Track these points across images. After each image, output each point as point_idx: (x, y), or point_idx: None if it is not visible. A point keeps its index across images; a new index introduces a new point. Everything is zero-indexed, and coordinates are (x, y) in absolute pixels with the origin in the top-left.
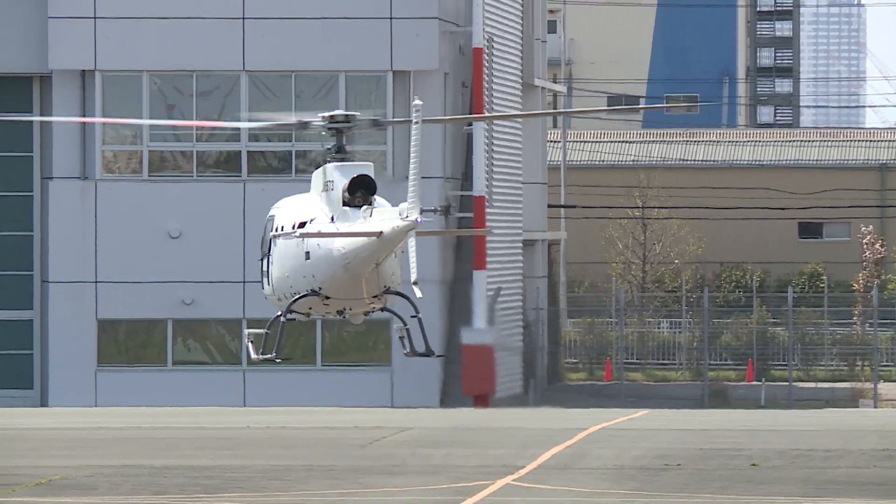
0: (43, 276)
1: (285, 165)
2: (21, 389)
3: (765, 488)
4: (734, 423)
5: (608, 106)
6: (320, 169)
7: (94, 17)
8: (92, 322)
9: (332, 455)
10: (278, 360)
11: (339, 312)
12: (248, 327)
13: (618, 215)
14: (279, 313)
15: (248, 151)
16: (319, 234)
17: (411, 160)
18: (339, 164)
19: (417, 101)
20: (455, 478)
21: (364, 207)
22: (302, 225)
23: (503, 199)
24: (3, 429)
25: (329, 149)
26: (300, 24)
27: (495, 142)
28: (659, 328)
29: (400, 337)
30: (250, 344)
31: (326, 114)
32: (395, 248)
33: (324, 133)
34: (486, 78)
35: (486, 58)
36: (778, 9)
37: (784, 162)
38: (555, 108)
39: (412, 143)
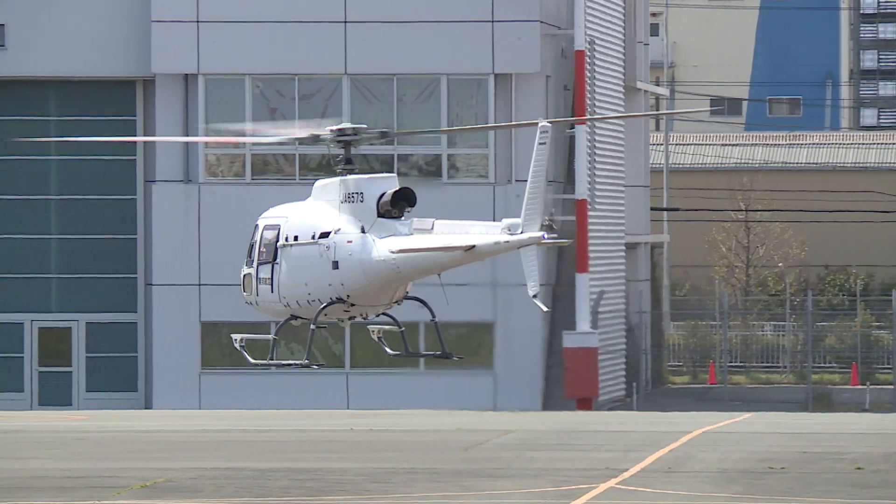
0: (147, 279)
1: (387, 168)
2: (125, 392)
3: (870, 492)
4: (838, 426)
5: (712, 109)
6: (332, 180)
7: (197, 21)
8: (196, 325)
9: (435, 458)
10: (315, 366)
11: (351, 318)
12: (235, 332)
13: (721, 218)
14: (291, 320)
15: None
16: (415, 250)
17: (533, 178)
18: (366, 176)
19: (544, 123)
20: (558, 481)
21: (402, 219)
22: (325, 234)
23: (605, 202)
24: (109, 431)
25: (338, 160)
26: (402, 27)
27: (597, 145)
28: (762, 331)
29: (379, 337)
30: (243, 346)
31: (335, 126)
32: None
33: (332, 145)
34: (588, 81)
35: (588, 60)
36: (882, 11)
37: (888, 164)
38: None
39: (536, 162)
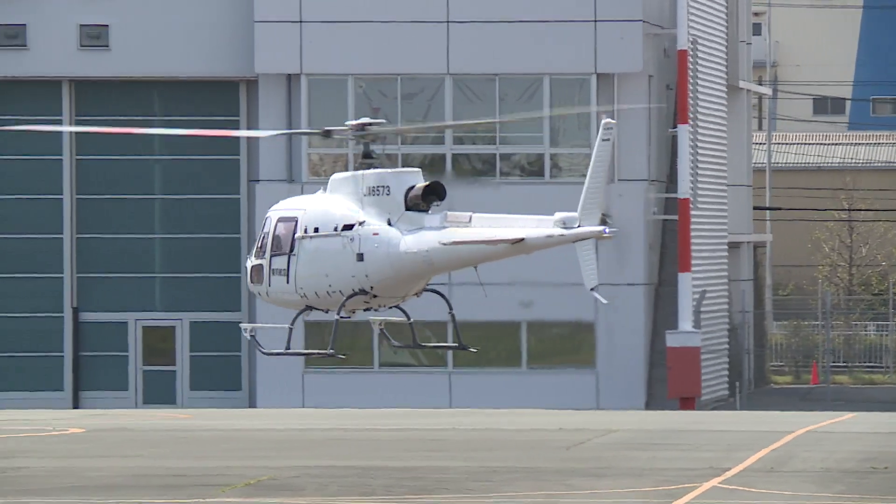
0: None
1: (489, 168)
2: (229, 391)
3: None
4: None
5: (814, 109)
6: (352, 174)
7: (300, 22)
8: (299, 324)
9: (538, 457)
10: (342, 356)
11: (366, 309)
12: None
13: (823, 218)
14: (306, 311)
15: (452, 154)
16: (465, 243)
17: (593, 172)
18: (391, 170)
19: (609, 121)
20: (661, 480)
21: (430, 212)
22: (349, 227)
23: (708, 201)
24: (214, 430)
25: (361, 155)
26: (504, 27)
27: (700, 144)
28: (866, 331)
29: (381, 329)
30: (254, 336)
31: (353, 122)
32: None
33: (350, 140)
34: (691, 80)
35: (691, 60)
36: None
37: None
38: (759, 111)
39: (598, 158)
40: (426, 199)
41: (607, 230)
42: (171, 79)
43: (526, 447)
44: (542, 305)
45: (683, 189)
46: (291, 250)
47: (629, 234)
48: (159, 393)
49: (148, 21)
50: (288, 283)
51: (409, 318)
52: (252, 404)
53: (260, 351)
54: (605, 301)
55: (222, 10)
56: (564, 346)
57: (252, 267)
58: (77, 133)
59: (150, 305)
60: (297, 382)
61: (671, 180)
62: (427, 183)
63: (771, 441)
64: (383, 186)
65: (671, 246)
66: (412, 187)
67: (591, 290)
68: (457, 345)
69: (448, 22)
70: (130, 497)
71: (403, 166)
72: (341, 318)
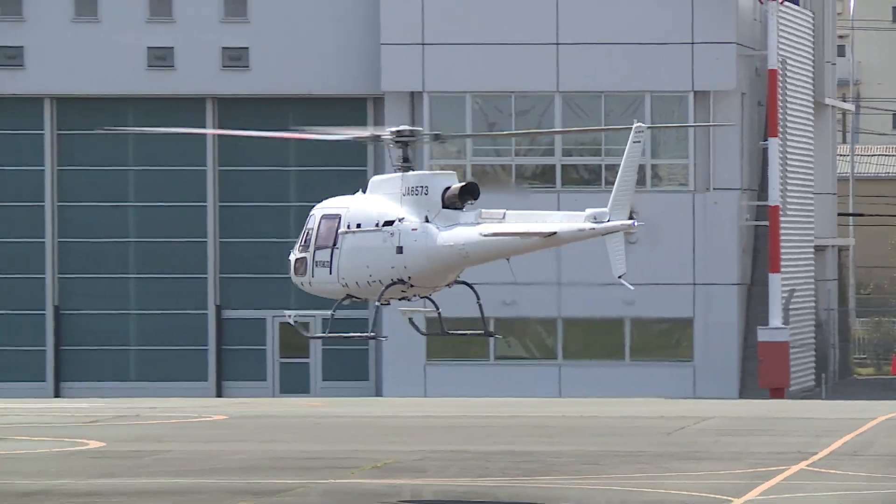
0: None
1: (595, 177)
2: (358, 381)
3: None
4: None
5: (893, 123)
6: (391, 175)
7: (423, 44)
8: (421, 321)
9: (640, 442)
10: (383, 338)
11: (402, 298)
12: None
13: None
14: (346, 300)
15: (562, 165)
16: (505, 234)
17: (624, 171)
18: (428, 172)
19: (640, 124)
20: (753, 463)
21: (464, 210)
22: (389, 223)
23: (796, 208)
24: (344, 417)
25: (397, 159)
26: (609, 48)
27: (788, 156)
28: None
29: (409, 318)
30: (297, 322)
31: (395, 129)
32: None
33: (391, 146)
34: (780, 97)
35: (780, 78)
36: None
37: None
38: (843, 126)
39: (629, 158)
40: (462, 198)
41: (635, 223)
42: (305, 96)
43: (629, 433)
44: (644, 304)
45: (774, 197)
46: (334, 244)
47: (659, 228)
48: (294, 383)
49: (284, 44)
50: (331, 273)
51: (437, 309)
52: (378, 394)
53: (304, 335)
54: (631, 287)
55: (352, 33)
56: (664, 340)
57: (295, 260)
58: (219, 145)
59: (287, 303)
60: (419, 374)
61: (762, 189)
62: (463, 183)
63: (854, 428)
64: (422, 187)
65: (762, 249)
66: (448, 188)
67: (619, 277)
68: (483, 332)
69: (557, 44)
70: (268, 478)
71: (517, 177)
72: (380, 304)
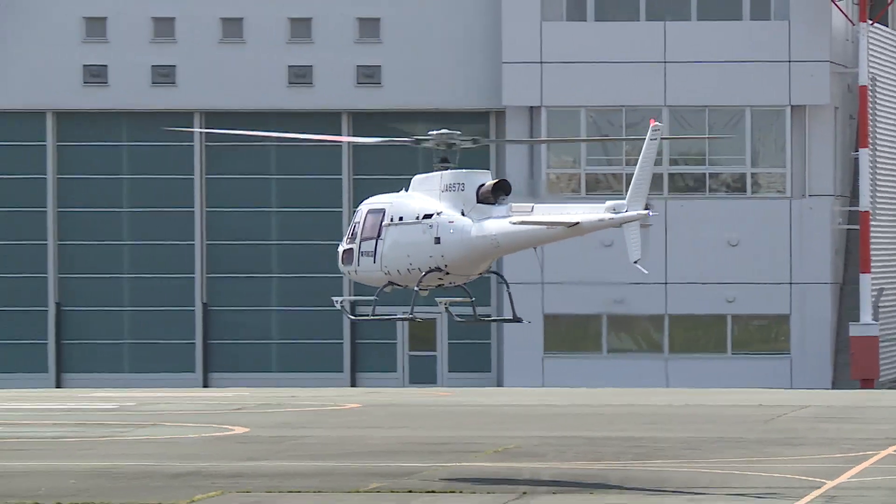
0: (498, 277)
1: (700, 185)
2: (481, 372)
3: None
4: None
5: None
6: (431, 174)
7: (541, 62)
8: (539, 316)
9: (741, 429)
10: (419, 319)
11: (438, 286)
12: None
13: None
14: (388, 286)
15: (669, 174)
16: (534, 223)
17: (641, 166)
18: (464, 171)
19: (656, 123)
20: (846, 448)
21: (497, 205)
22: (428, 216)
23: (885, 213)
24: (468, 405)
25: (439, 160)
26: (712, 66)
27: (878, 165)
28: None
29: (447, 307)
30: (344, 306)
31: (435, 133)
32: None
33: (436, 147)
34: (870, 111)
35: (870, 94)
36: None
37: None
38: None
39: (646, 155)
40: (495, 194)
41: (651, 213)
42: (432, 110)
43: (730, 421)
44: (745, 301)
45: (864, 203)
46: (379, 236)
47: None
48: (422, 374)
49: (413, 62)
50: (374, 262)
51: (471, 297)
52: (500, 384)
53: (349, 318)
54: (645, 272)
55: (475, 52)
56: (763, 335)
57: (343, 251)
58: (354, 155)
59: (419, 301)
60: (537, 366)
61: (854, 196)
62: (496, 180)
63: None
64: (458, 184)
65: (854, 251)
66: (483, 184)
67: (635, 262)
68: (511, 318)
69: (665, 62)
70: (398, 461)
71: (627, 185)
72: (418, 290)
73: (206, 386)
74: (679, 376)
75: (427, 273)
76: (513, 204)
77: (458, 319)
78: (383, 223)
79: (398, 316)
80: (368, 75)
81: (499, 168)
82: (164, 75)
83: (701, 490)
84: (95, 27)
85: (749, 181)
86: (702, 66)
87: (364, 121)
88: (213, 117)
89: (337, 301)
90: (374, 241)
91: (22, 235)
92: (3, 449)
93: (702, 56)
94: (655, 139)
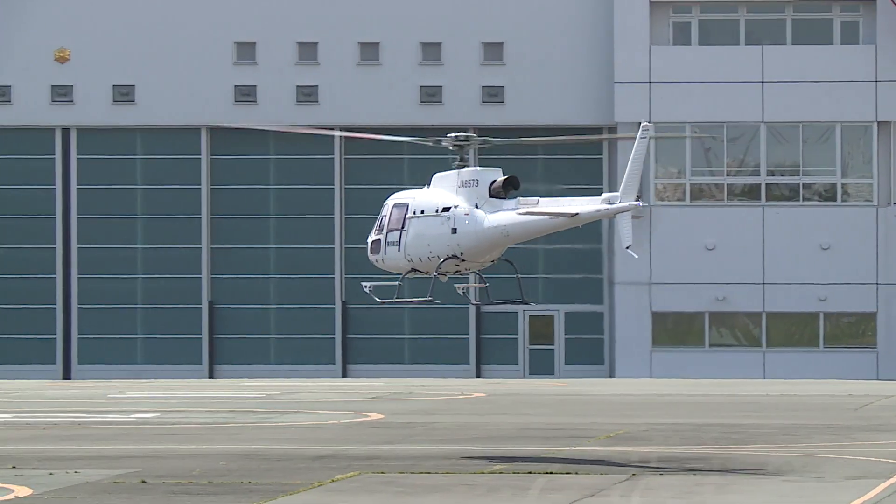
0: (610, 278)
1: (794, 194)
2: (595, 364)
3: None
4: None
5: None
6: (449, 172)
7: (649, 82)
8: (647, 313)
9: (831, 416)
10: (437, 302)
11: (456, 272)
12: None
13: None
14: (410, 272)
15: (766, 184)
16: (538, 213)
17: (632, 163)
18: (478, 169)
19: (646, 124)
20: None
21: (507, 199)
22: (446, 209)
23: None
24: (583, 395)
25: (455, 159)
26: (806, 86)
27: None
28: None
29: (463, 291)
30: (370, 290)
31: (453, 135)
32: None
33: (451, 147)
34: None
35: None
36: None
37: None
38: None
39: (636, 153)
40: (505, 189)
41: (640, 203)
42: (550, 126)
43: (822, 409)
44: (836, 300)
45: None
46: (403, 227)
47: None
48: (541, 366)
49: (533, 82)
50: (399, 251)
51: (484, 282)
52: (611, 375)
53: (377, 301)
54: (636, 256)
55: (590, 73)
56: (852, 331)
57: (372, 241)
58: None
59: (535, 299)
60: (646, 358)
61: None
62: (506, 177)
63: None
64: (473, 180)
65: None
66: (494, 181)
67: (627, 247)
68: (520, 300)
69: (763, 82)
70: (518, 446)
71: (728, 194)
72: (437, 276)
73: (344, 376)
74: (775, 368)
75: (445, 260)
76: (520, 198)
77: (473, 303)
78: (407, 216)
79: (417, 300)
80: (493, 94)
81: (610, 178)
82: (307, 95)
83: (795, 472)
84: (245, 51)
85: (839, 191)
86: (796, 86)
87: (489, 136)
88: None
89: (366, 286)
90: (398, 233)
91: (179, 240)
92: (160, 433)
93: (796, 76)
94: (645, 138)
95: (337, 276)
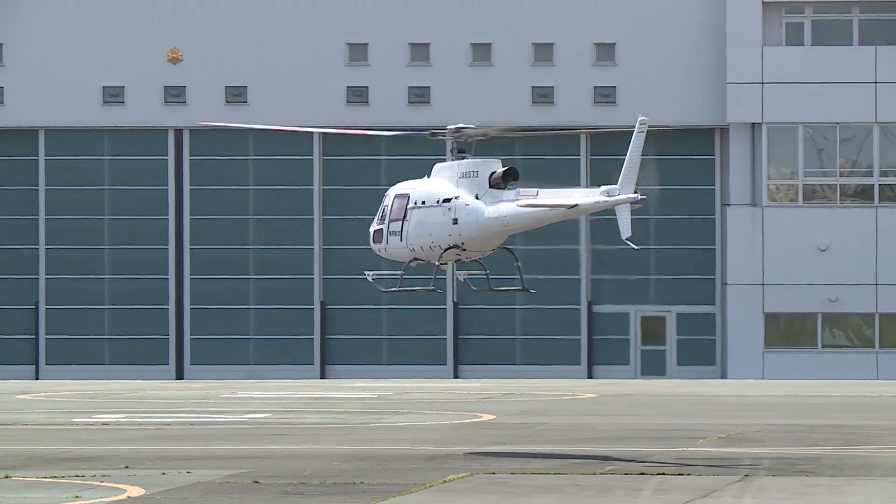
0: (723, 279)
1: (868, 198)
2: (705, 365)
3: None
4: None
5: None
6: (449, 163)
7: (762, 83)
8: (760, 314)
9: None
10: (439, 290)
11: (456, 261)
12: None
13: None
14: (412, 262)
15: (879, 184)
16: (538, 206)
17: (630, 156)
18: (478, 160)
19: (643, 118)
20: None
21: (507, 189)
22: (447, 200)
23: None
24: (695, 395)
25: (454, 150)
26: None
27: None
28: None
29: (464, 279)
30: (372, 279)
31: (452, 126)
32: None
33: (450, 139)
34: None
35: None
36: None
37: None
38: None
39: (634, 146)
40: (505, 180)
41: (639, 196)
42: (663, 127)
43: None
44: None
45: None
46: (404, 217)
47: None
48: (653, 367)
49: (645, 83)
50: (401, 241)
51: (486, 270)
52: (723, 376)
53: (380, 290)
54: (636, 247)
55: (702, 74)
56: None
57: (374, 231)
58: (590, 169)
59: (646, 300)
60: (758, 359)
61: None
62: (506, 168)
63: None
64: (473, 171)
65: None
66: (494, 172)
67: (626, 239)
68: (521, 288)
69: (876, 83)
70: (631, 446)
71: (841, 195)
72: (439, 265)
73: (455, 377)
74: (889, 369)
75: (446, 250)
76: (520, 189)
77: (474, 289)
78: (408, 206)
79: (420, 289)
80: (605, 95)
81: (723, 180)
82: (419, 95)
83: None
84: (358, 52)
85: None
86: None
87: (601, 137)
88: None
89: (368, 275)
90: (400, 222)
91: (291, 240)
92: (272, 433)
93: None
94: (643, 132)
95: (448, 277)
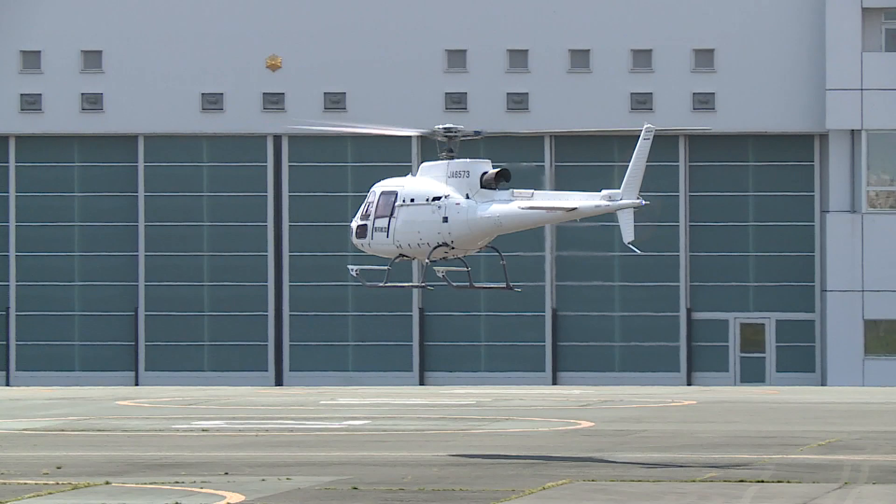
0: (822, 286)
1: None
2: (804, 372)
3: None
4: None
5: None
6: (438, 162)
7: (861, 89)
8: (859, 321)
9: None
10: (430, 287)
11: (444, 258)
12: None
13: None
14: (398, 258)
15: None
16: (537, 208)
17: (635, 161)
18: (469, 160)
19: (649, 125)
20: None
21: (498, 189)
22: (437, 198)
23: None
24: (795, 402)
25: (443, 150)
26: None
27: None
28: None
29: (443, 275)
30: (357, 274)
31: (441, 126)
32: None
33: (440, 139)
34: None
35: None
36: None
37: None
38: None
39: (639, 152)
40: (497, 181)
41: (643, 202)
42: (761, 133)
43: None
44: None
45: None
46: (391, 214)
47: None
48: (752, 374)
49: (744, 89)
50: (387, 237)
51: (467, 267)
52: (823, 383)
53: (365, 285)
54: (639, 252)
55: (801, 80)
56: None
57: (357, 226)
58: (691, 176)
59: (746, 307)
60: (858, 366)
61: None
62: (498, 169)
63: None
64: (464, 171)
65: None
66: (485, 172)
67: (629, 243)
68: (504, 286)
69: None
70: (730, 453)
71: (895, 202)
72: (427, 262)
73: (554, 384)
74: None
75: (435, 248)
76: (514, 189)
77: (455, 286)
78: (396, 203)
79: (409, 284)
80: (703, 101)
81: (822, 187)
82: (517, 102)
83: None
84: (456, 58)
85: None
86: None
87: (699, 143)
88: (561, 140)
89: (352, 269)
90: (387, 219)
91: None
92: (371, 440)
93: None
94: (648, 139)
95: (547, 284)
